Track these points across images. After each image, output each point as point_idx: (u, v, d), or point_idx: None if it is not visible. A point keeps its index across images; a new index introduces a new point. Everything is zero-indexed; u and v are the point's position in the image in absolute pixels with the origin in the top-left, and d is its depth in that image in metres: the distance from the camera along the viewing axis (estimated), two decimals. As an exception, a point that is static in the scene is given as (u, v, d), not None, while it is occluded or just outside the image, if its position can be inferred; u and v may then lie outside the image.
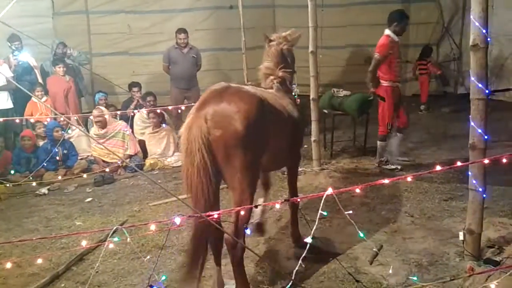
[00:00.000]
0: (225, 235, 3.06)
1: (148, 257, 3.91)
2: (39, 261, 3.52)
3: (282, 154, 3.61)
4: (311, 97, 5.79)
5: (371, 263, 3.69)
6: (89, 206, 5.43)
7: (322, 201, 2.32)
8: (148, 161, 6.80)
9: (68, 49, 7.86)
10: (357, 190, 2.32)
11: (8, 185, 5.78)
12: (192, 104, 7.33)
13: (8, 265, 3.14)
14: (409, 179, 2.94)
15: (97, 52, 9.17)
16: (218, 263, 3.32)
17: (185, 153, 2.97)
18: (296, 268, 2.73)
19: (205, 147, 2.88)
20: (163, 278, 3.39)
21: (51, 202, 5.63)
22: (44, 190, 5.92)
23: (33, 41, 7.52)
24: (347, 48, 9.89)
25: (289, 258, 3.83)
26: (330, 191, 2.23)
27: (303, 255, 2.50)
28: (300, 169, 5.92)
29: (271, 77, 3.81)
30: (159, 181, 6.01)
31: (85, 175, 6.33)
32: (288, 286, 2.68)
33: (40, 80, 7.29)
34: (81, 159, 6.85)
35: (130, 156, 6.76)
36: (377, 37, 5.79)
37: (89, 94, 8.59)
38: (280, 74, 3.82)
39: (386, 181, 2.31)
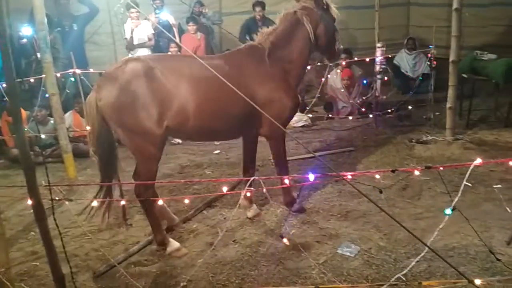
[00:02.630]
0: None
1: (279, 210, 4.06)
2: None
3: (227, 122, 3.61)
4: (450, 59, 5.32)
5: (508, 244, 3.36)
6: (217, 158, 5.79)
7: (468, 172, 2.12)
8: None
9: (204, 8, 8.20)
10: (510, 163, 2.06)
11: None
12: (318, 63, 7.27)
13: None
14: None
15: (227, 11, 9.42)
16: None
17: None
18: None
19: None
20: (293, 231, 3.50)
21: (184, 151, 6.14)
22: (178, 140, 6.44)
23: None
24: (492, 6, 8.75)
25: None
26: (479, 160, 2.02)
27: (440, 226, 2.33)
28: (430, 137, 5.60)
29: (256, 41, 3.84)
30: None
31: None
32: (418, 258, 2.55)
33: (177, 38, 7.77)
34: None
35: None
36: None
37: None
38: (263, 39, 3.80)
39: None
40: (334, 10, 4.00)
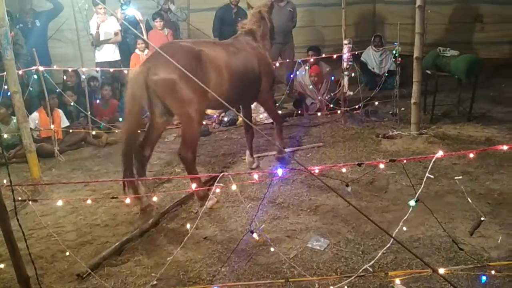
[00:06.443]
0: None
1: (249, 205, 4.09)
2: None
3: (238, 92, 4.39)
4: (414, 56, 5.45)
5: (471, 234, 3.48)
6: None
7: (431, 164, 2.20)
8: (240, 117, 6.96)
9: (170, 5, 8.11)
10: (471, 155, 2.14)
11: (116, 131, 6.27)
12: (287, 60, 7.34)
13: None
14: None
15: (195, 7, 9.36)
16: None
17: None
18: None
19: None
20: (263, 226, 3.52)
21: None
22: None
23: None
24: (455, 4, 9.04)
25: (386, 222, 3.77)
26: (440, 153, 2.09)
27: (405, 217, 2.40)
28: (396, 132, 5.74)
29: (242, 29, 4.87)
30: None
31: (183, 127, 6.68)
32: (384, 249, 2.62)
33: (144, 34, 7.66)
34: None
35: (225, 111, 6.96)
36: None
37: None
38: (249, 26, 4.85)
39: (505, 147, 2.10)
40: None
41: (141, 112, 4.19)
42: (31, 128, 5.75)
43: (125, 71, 7.17)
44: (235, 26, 7.60)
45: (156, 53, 4.05)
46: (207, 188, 4.09)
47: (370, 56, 8.27)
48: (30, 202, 3.00)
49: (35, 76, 5.85)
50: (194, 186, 3.41)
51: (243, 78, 4.42)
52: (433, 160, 2.13)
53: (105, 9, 7.04)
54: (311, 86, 7.25)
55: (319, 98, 7.20)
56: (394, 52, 6.51)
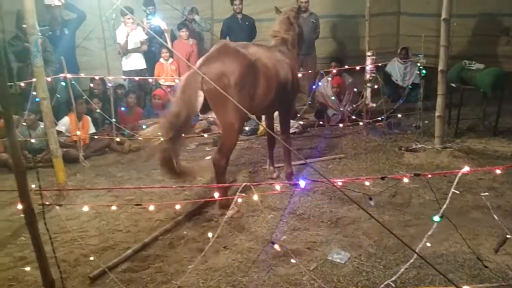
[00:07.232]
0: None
1: (270, 215, 4.09)
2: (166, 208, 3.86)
3: (272, 100, 4.42)
4: (439, 69, 5.39)
5: (496, 252, 3.38)
6: (209, 163, 5.76)
7: (457, 179, 2.16)
8: (262, 127, 6.98)
9: (195, 15, 8.24)
10: (498, 172, 2.10)
11: (140, 138, 6.36)
12: (309, 71, 7.34)
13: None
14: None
15: (218, 18, 9.47)
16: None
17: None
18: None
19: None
20: (283, 237, 3.51)
21: (175, 157, 6.12)
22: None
23: (166, 5, 8.01)
24: (480, 17, 8.91)
25: (409, 237, 3.71)
26: (466, 168, 2.06)
27: (429, 233, 2.37)
28: (419, 145, 5.67)
29: (276, 38, 4.79)
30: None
31: (205, 135, 6.76)
32: (407, 264, 2.58)
33: (169, 43, 7.80)
34: (202, 119, 7.26)
35: (247, 120, 6.99)
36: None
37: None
38: (282, 35, 4.77)
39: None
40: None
41: (193, 116, 4.25)
42: (60, 132, 5.90)
43: (150, 80, 7.31)
44: (243, 33, 7.65)
45: (210, 57, 4.10)
46: (231, 197, 4.08)
47: (395, 68, 8.20)
48: (57, 207, 3.05)
49: (63, 83, 6.00)
50: (216, 195, 3.42)
51: (281, 88, 4.46)
52: (459, 175, 2.10)
53: (133, 19, 7.19)
54: (333, 97, 7.23)
55: (341, 109, 7.17)
56: (418, 64, 6.45)
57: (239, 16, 7.99)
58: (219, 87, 3.79)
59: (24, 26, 5.87)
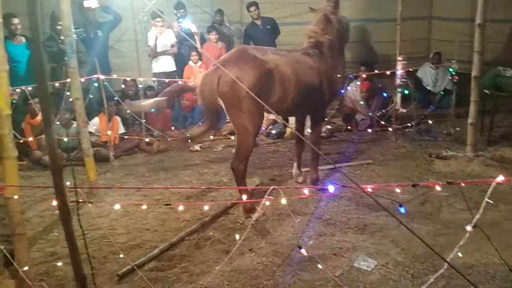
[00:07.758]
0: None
1: (297, 220, 4.08)
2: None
3: (296, 106, 4.37)
4: (472, 75, 5.27)
5: (529, 265, 3.29)
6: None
7: (490, 189, 2.11)
8: (289, 129, 6.97)
9: (224, 18, 8.30)
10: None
11: (168, 139, 6.45)
12: (338, 75, 7.31)
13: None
14: None
15: (247, 21, 9.50)
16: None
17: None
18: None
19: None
20: (310, 242, 3.49)
21: (202, 158, 6.20)
22: (197, 147, 6.52)
23: (196, 8, 8.10)
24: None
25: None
26: (501, 178, 2.01)
27: (461, 243, 2.31)
28: (450, 153, 5.55)
29: (310, 40, 4.57)
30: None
31: (232, 137, 6.78)
32: (437, 274, 2.53)
33: (198, 46, 7.87)
34: (229, 122, 7.30)
35: (274, 122, 6.99)
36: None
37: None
38: (317, 39, 4.53)
39: None
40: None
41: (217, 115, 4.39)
42: (91, 132, 6.05)
43: (179, 82, 7.40)
44: (265, 37, 7.64)
45: (227, 61, 4.12)
46: (256, 200, 4.10)
47: (427, 73, 8.05)
48: (90, 205, 3.13)
49: (96, 84, 6.15)
50: (244, 197, 3.44)
51: (304, 95, 4.35)
52: (493, 184, 2.05)
53: (163, 21, 7.30)
54: (361, 102, 7.15)
55: (369, 114, 7.09)
56: (450, 70, 6.31)
57: (258, 22, 7.98)
58: (233, 92, 3.92)
59: (59, 27, 6.10)
